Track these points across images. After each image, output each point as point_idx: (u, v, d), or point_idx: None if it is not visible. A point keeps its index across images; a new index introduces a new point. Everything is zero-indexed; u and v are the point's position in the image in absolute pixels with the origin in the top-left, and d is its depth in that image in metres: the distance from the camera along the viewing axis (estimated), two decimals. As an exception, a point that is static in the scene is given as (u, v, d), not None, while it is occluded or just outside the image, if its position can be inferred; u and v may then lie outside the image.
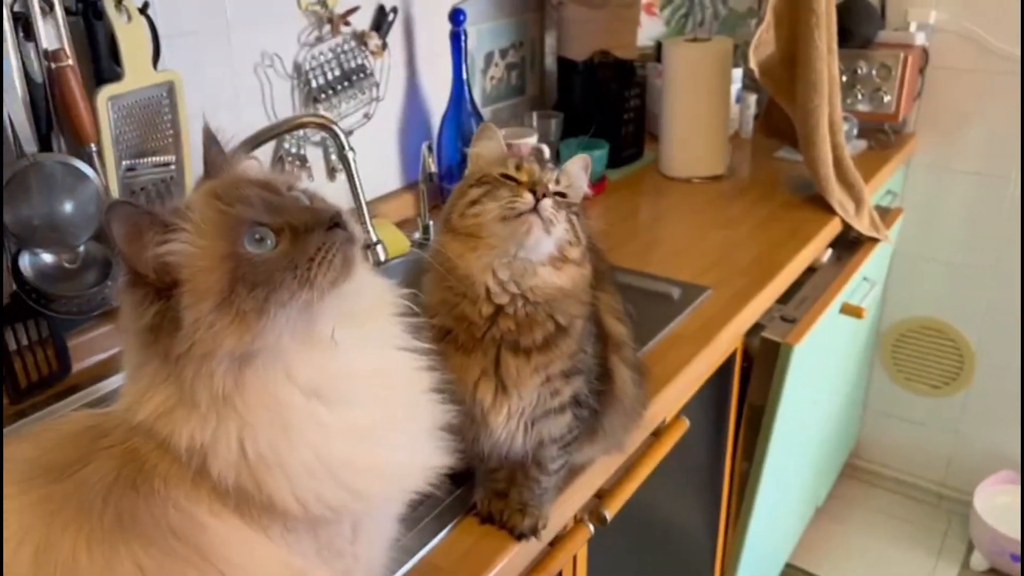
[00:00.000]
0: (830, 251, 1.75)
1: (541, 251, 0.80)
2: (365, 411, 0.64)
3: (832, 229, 1.72)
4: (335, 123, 1.21)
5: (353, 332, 0.64)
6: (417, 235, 1.65)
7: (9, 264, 1.11)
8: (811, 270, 1.70)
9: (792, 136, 1.83)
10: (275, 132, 1.21)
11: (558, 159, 1.92)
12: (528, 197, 0.79)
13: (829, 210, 1.74)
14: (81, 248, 1.17)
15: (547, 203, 0.78)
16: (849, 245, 1.79)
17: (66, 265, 1.17)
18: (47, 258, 1.15)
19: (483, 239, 0.80)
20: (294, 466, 0.59)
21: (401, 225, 1.67)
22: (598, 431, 0.92)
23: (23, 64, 1.07)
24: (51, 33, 1.09)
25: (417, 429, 0.68)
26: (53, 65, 1.09)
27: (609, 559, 1.17)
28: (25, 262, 1.12)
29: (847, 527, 2.44)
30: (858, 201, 1.78)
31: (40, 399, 1.17)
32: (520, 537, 0.90)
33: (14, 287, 1.12)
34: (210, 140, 0.68)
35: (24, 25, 1.06)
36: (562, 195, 0.83)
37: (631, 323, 0.97)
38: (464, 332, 0.82)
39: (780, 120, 1.86)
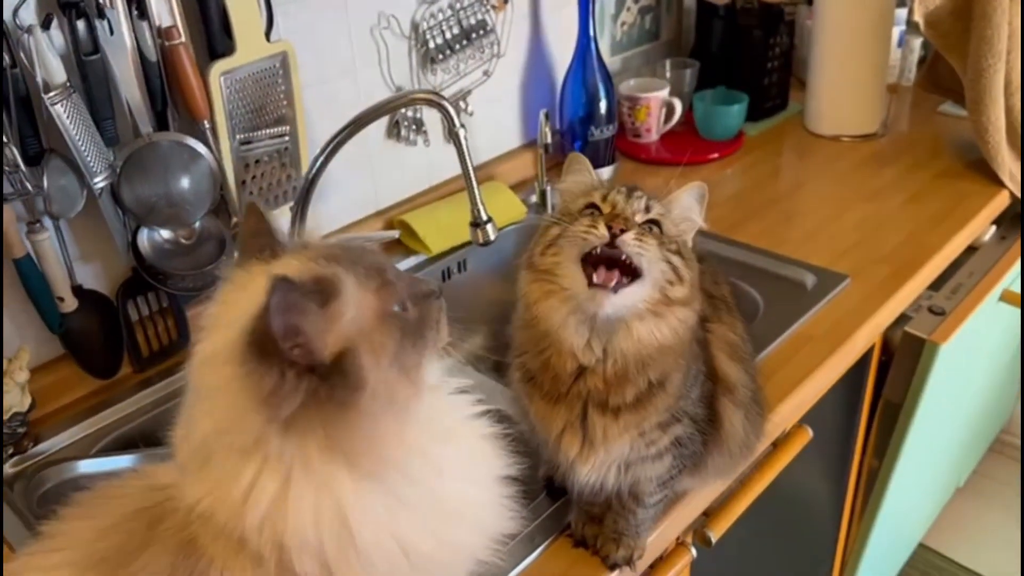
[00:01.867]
0: (993, 228, 1.56)
1: (621, 311, 0.70)
2: (436, 486, 0.60)
3: (998, 204, 1.53)
4: (445, 99, 1.15)
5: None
6: (534, 198, 1.59)
7: (129, 240, 1.14)
8: (970, 249, 1.53)
9: (960, 92, 1.62)
10: (383, 110, 1.16)
11: (691, 110, 1.80)
12: (602, 230, 0.67)
13: (996, 180, 1.55)
14: (197, 224, 1.18)
15: (628, 238, 0.67)
16: (1016, 220, 1.59)
17: (183, 241, 1.18)
18: (164, 235, 1.17)
19: (560, 284, 0.71)
20: (379, 560, 0.57)
21: (518, 187, 1.62)
22: (701, 468, 0.86)
23: (137, 43, 1.06)
24: (163, 10, 1.08)
25: (482, 494, 0.65)
26: (166, 43, 1.08)
27: (711, 570, 1.12)
28: (143, 239, 1.14)
29: (988, 507, 2.27)
30: (1033, 171, 1.57)
31: (162, 367, 1.22)
32: (613, 567, 0.86)
33: (134, 264, 1.15)
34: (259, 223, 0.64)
35: (138, 4, 1.05)
36: (655, 223, 0.72)
37: (751, 347, 0.88)
38: (549, 382, 0.76)
39: (946, 75, 1.65)
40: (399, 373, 0.57)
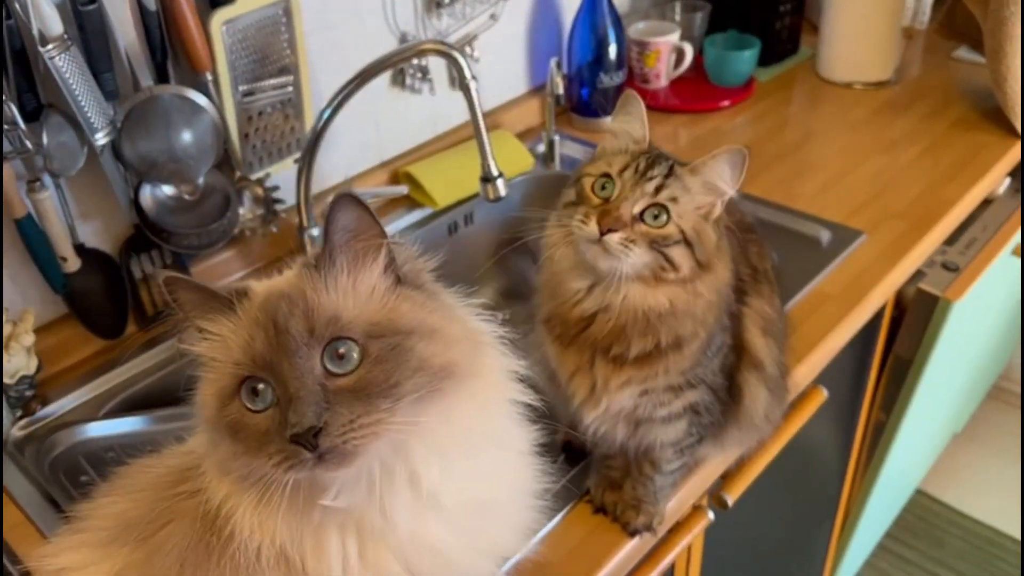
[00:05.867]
0: (1008, 180, 1.54)
1: (618, 271, 0.72)
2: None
3: (1014, 155, 1.50)
4: (456, 48, 1.11)
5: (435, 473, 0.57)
6: (541, 148, 1.55)
7: (132, 197, 1.11)
8: (985, 202, 1.51)
9: (978, 37, 1.58)
10: (390, 62, 1.11)
11: (701, 54, 1.75)
12: (591, 228, 0.70)
13: (1012, 131, 1.52)
14: (201, 180, 1.15)
15: (614, 238, 0.69)
16: (1032, 172, 1.57)
17: (186, 197, 1.15)
18: (168, 191, 1.14)
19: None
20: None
21: (524, 136, 1.58)
22: (720, 438, 0.85)
23: (135, -9, 1.01)
24: (162, -44, 1.03)
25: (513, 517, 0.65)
26: (165, -9, 1.03)
27: (723, 530, 1.12)
28: (146, 196, 1.11)
29: (984, 453, 2.30)
30: (1050, 122, 1.54)
31: (167, 327, 1.19)
32: (634, 534, 0.86)
33: (137, 221, 1.12)
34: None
35: (134, -51, 1.00)
36: (662, 207, 0.70)
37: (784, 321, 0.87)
38: (560, 325, 0.77)
39: (965, 22, 1.61)
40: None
